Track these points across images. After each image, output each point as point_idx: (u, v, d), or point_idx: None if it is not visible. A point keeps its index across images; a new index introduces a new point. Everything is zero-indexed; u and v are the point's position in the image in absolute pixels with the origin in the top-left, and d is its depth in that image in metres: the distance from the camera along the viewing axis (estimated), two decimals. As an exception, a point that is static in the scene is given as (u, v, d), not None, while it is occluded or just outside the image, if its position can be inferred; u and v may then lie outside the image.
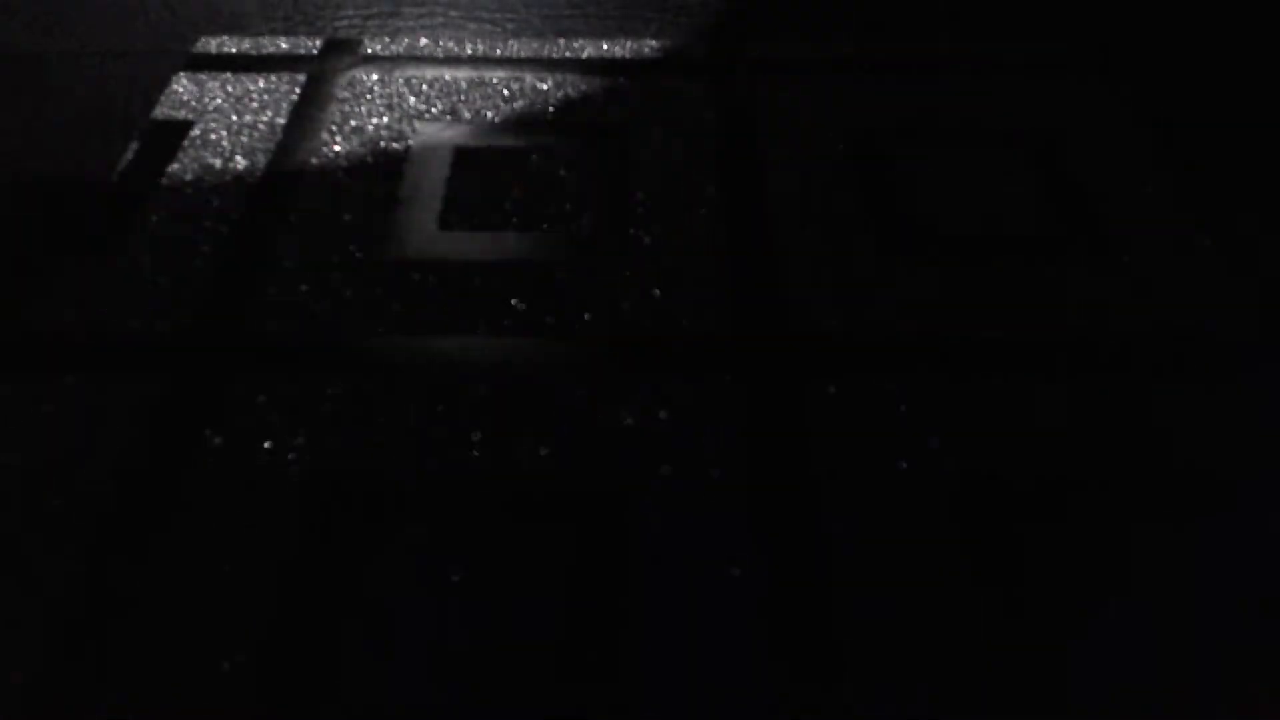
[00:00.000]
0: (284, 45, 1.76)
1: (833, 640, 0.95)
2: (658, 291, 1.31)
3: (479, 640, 0.94)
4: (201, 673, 0.91)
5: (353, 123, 1.58)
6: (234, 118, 1.59)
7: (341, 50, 1.75)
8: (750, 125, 1.59)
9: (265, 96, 1.63)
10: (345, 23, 1.81)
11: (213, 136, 1.55)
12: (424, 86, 1.66)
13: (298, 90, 1.65)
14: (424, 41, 1.77)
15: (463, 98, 1.64)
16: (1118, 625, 0.96)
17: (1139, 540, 1.03)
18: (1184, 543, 1.03)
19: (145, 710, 0.89)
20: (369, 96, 1.63)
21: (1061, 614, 0.97)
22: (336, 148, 1.53)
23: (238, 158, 1.51)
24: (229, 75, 1.68)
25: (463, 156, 1.52)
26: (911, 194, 1.46)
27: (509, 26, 1.80)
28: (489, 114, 1.60)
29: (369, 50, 1.75)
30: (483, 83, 1.67)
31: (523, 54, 1.74)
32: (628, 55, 1.74)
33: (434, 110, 1.61)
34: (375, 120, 1.58)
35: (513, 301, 1.29)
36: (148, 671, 0.91)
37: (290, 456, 1.10)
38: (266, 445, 1.11)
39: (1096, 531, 1.04)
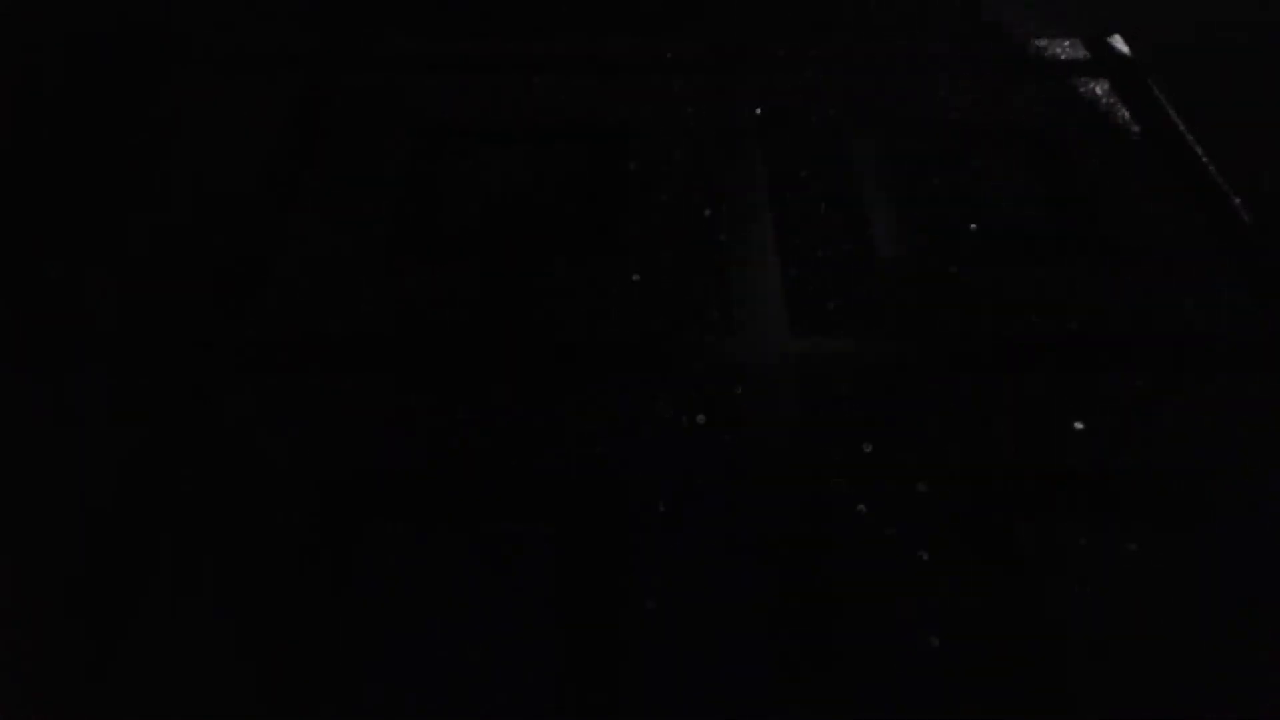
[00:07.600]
0: (284, 45, 1.76)
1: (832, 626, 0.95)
2: (657, 290, 1.31)
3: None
4: (201, 666, 0.92)
5: (353, 123, 1.58)
6: (231, 117, 1.59)
7: (346, 50, 1.75)
8: (750, 123, 1.59)
9: (263, 96, 1.63)
10: (349, 23, 1.81)
11: (209, 135, 1.55)
12: (425, 88, 1.66)
13: (297, 90, 1.65)
14: (426, 43, 1.77)
15: (464, 98, 1.64)
16: (1120, 623, 0.96)
17: (1139, 537, 1.03)
18: (1184, 541, 1.02)
19: (147, 708, 0.89)
20: (370, 97, 1.64)
21: (1063, 612, 0.97)
22: (334, 148, 1.53)
23: (234, 158, 1.51)
24: (227, 74, 1.68)
25: (461, 157, 1.52)
26: (912, 192, 1.46)
27: (510, 28, 1.80)
28: (490, 115, 1.61)
29: (372, 51, 1.75)
30: (484, 84, 1.67)
31: (523, 54, 1.74)
32: (628, 55, 1.74)
33: (435, 112, 1.61)
34: (376, 120, 1.59)
35: (514, 302, 1.29)
36: (149, 666, 0.92)
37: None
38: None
39: (1097, 530, 1.04)
